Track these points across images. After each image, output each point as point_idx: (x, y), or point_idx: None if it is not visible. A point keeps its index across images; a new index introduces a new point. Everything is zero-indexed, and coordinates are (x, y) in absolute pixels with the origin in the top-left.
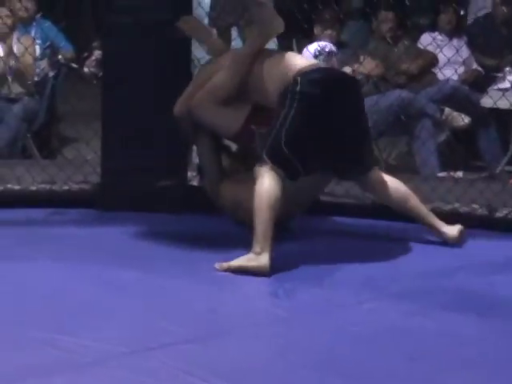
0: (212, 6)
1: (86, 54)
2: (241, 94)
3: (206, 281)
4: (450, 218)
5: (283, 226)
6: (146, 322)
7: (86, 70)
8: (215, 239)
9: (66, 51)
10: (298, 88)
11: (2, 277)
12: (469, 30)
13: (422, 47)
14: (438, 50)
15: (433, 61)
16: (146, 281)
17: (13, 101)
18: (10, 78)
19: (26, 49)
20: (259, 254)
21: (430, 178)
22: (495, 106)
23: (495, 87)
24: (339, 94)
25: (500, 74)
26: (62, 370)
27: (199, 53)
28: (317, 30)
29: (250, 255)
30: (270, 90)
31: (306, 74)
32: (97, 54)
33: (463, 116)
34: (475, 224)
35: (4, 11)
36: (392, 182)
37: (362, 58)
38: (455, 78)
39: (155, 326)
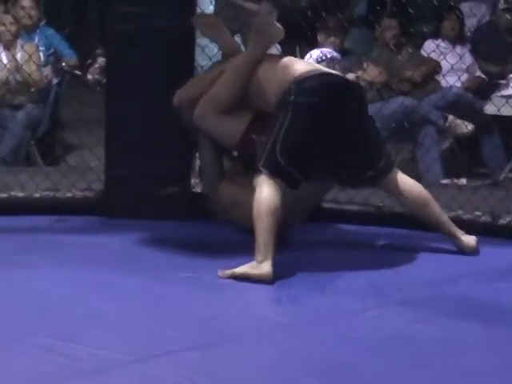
0: (216, 14)
1: (89, 61)
2: (243, 98)
3: (209, 288)
4: None
5: (281, 235)
6: (150, 329)
7: (89, 77)
8: (218, 246)
9: (69, 58)
10: (292, 98)
11: (6, 284)
12: (472, 37)
13: (425, 54)
14: (442, 57)
15: (436, 68)
16: (150, 288)
17: (16, 108)
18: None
19: (30, 56)
20: (261, 262)
21: (433, 185)
22: (499, 113)
23: (499, 94)
24: (340, 100)
25: (503, 81)
26: (67, 378)
27: (202, 60)
28: (320, 38)
29: (253, 263)
30: (269, 95)
31: (302, 81)
32: (100, 61)
33: (466, 123)
34: (479, 231)
35: (8, 18)
36: (412, 186)
37: (365, 65)
38: (458, 85)
39: (159, 333)
